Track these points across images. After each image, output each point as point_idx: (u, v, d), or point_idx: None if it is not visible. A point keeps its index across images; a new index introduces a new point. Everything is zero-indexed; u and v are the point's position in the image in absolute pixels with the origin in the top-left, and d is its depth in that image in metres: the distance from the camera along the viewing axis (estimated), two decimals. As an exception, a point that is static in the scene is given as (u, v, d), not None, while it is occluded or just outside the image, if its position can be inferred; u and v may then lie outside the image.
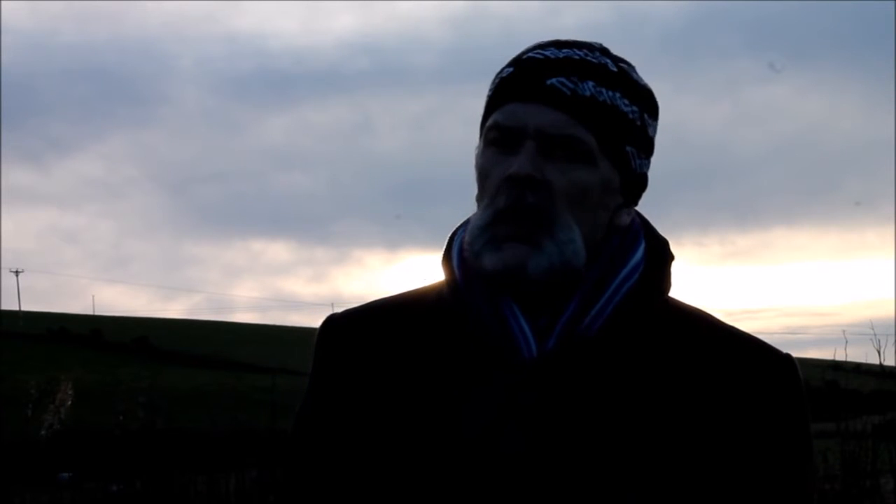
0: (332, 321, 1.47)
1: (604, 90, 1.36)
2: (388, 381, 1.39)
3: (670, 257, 1.42)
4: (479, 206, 1.39)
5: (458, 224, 1.45)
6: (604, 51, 1.41)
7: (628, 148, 1.38)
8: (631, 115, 1.38)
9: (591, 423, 1.31)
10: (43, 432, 9.43)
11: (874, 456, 6.77)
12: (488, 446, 1.31)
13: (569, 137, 1.34)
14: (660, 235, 1.44)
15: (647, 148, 1.41)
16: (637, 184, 1.41)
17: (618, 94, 1.37)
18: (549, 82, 1.35)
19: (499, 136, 1.36)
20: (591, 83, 1.36)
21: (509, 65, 1.41)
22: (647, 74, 1.46)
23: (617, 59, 1.41)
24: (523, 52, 1.41)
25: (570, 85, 1.35)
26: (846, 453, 6.70)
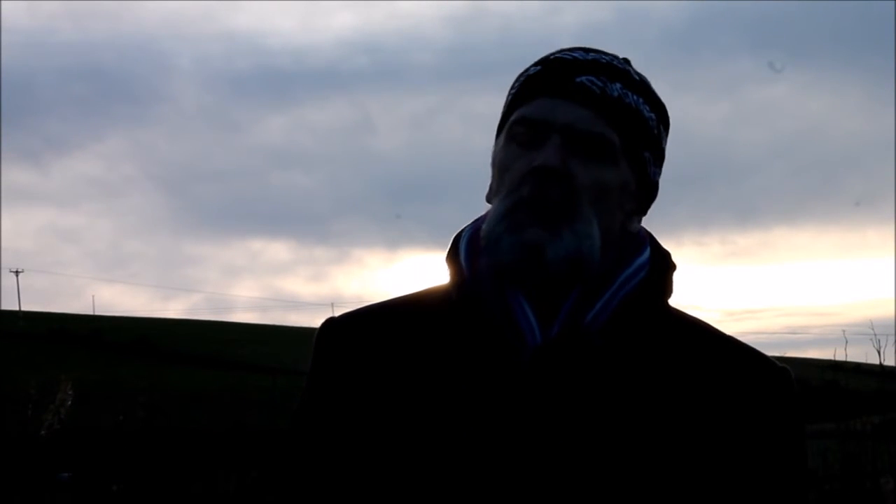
0: (330, 324, 1.48)
1: (629, 93, 1.40)
2: (389, 382, 1.39)
3: (672, 265, 1.45)
4: (494, 199, 1.40)
5: (464, 226, 1.46)
6: (627, 61, 1.45)
7: (646, 153, 1.41)
8: (650, 122, 1.42)
9: (591, 413, 1.33)
10: (43, 432, 9.44)
11: (874, 456, 6.78)
12: (490, 435, 1.32)
13: (595, 135, 1.36)
14: (662, 247, 1.46)
15: (660, 157, 1.45)
16: (649, 191, 1.44)
17: (641, 100, 1.41)
18: (578, 80, 1.38)
19: (523, 131, 1.38)
20: (618, 85, 1.39)
21: (536, 64, 1.43)
22: (648, 74, 1.48)
23: (637, 72, 1.45)
24: (549, 55, 1.44)
25: (600, 84, 1.38)
26: (846, 453, 6.71)
